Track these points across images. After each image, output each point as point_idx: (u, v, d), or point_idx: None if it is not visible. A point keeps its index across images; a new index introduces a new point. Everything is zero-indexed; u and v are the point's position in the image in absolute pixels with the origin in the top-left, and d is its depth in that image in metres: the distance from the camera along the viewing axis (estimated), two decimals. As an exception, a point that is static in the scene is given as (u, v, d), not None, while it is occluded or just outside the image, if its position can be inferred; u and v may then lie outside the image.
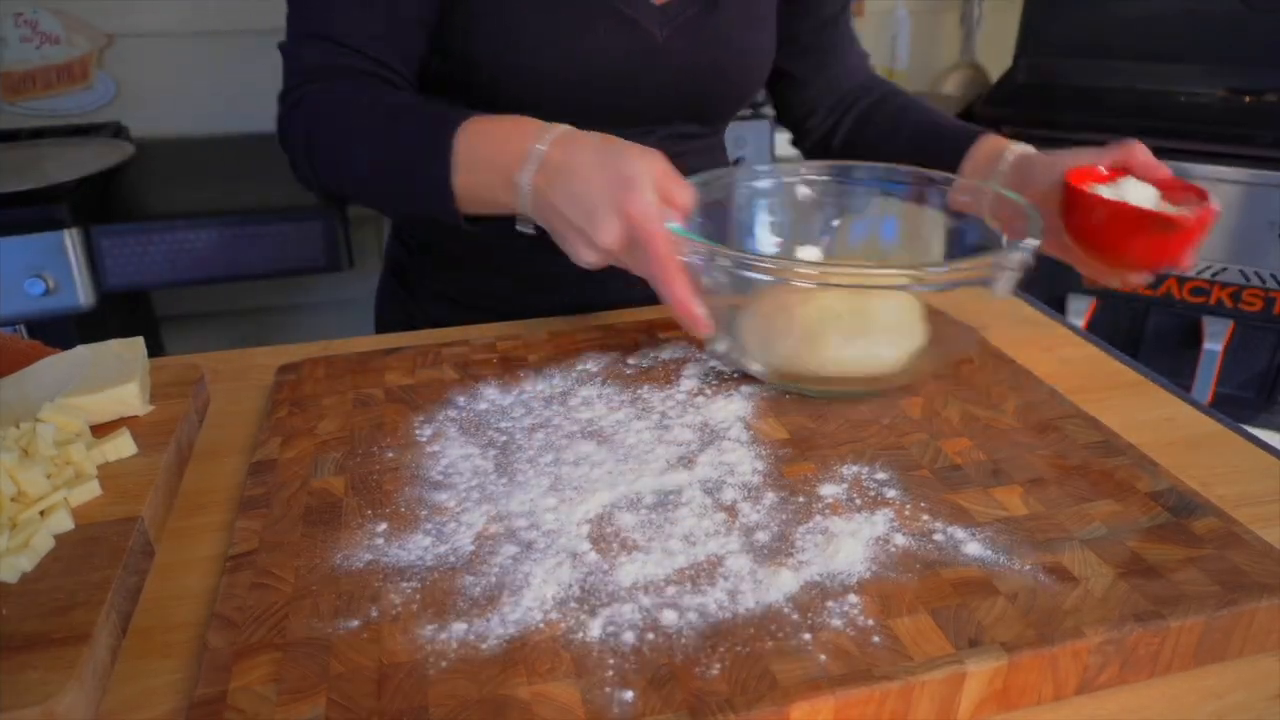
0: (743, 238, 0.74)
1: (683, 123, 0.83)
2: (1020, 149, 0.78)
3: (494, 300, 0.86)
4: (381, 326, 0.97)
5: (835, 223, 0.74)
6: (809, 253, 0.72)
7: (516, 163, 0.60)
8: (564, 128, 0.61)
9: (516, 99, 0.74)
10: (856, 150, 0.90)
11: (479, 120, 0.64)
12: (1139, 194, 0.67)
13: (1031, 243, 0.57)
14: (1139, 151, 0.70)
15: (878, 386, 0.62)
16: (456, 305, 0.88)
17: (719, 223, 0.70)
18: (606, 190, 0.57)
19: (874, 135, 0.90)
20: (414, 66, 0.74)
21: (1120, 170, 0.70)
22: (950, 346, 0.63)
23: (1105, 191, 0.67)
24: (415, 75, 0.75)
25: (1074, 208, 0.68)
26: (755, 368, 0.63)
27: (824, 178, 0.74)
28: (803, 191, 0.74)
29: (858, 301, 0.60)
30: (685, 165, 0.85)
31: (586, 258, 0.60)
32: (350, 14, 0.70)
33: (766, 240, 0.74)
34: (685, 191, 0.59)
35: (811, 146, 0.96)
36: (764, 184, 0.75)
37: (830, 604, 0.43)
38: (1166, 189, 0.68)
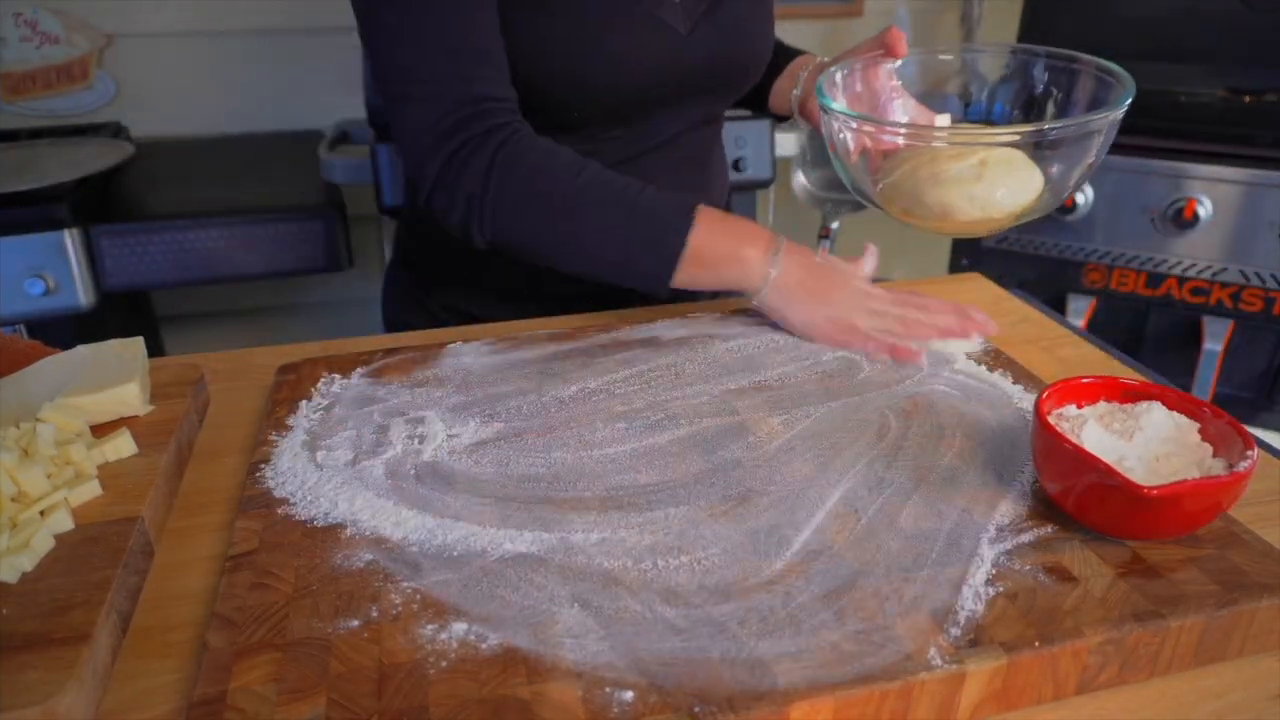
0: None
1: (700, 108, 0.85)
2: (817, 61, 0.89)
3: (510, 289, 0.87)
4: (390, 319, 0.97)
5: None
6: (943, 119, 0.78)
7: (758, 267, 0.71)
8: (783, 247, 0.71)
9: (552, 98, 0.76)
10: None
11: (708, 221, 0.70)
12: (1156, 429, 0.51)
13: (1125, 103, 0.63)
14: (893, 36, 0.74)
15: (1010, 223, 0.70)
16: (471, 292, 0.88)
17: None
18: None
19: None
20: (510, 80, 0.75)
21: (1094, 393, 0.54)
22: (1057, 190, 0.70)
23: (1089, 421, 0.52)
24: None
25: (1036, 436, 0.51)
26: (917, 213, 0.70)
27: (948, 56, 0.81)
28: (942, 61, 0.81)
29: (996, 153, 0.67)
30: (693, 156, 0.87)
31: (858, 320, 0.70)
32: (469, 44, 0.70)
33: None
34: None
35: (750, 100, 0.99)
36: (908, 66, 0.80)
37: (831, 603, 0.43)
38: (1216, 438, 0.50)
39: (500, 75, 0.73)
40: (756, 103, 0.96)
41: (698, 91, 0.83)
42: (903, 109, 0.76)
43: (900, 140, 0.70)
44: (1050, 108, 0.74)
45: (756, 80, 0.89)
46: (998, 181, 0.66)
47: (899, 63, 0.76)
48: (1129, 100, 0.64)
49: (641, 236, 0.70)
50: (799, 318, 0.71)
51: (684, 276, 0.71)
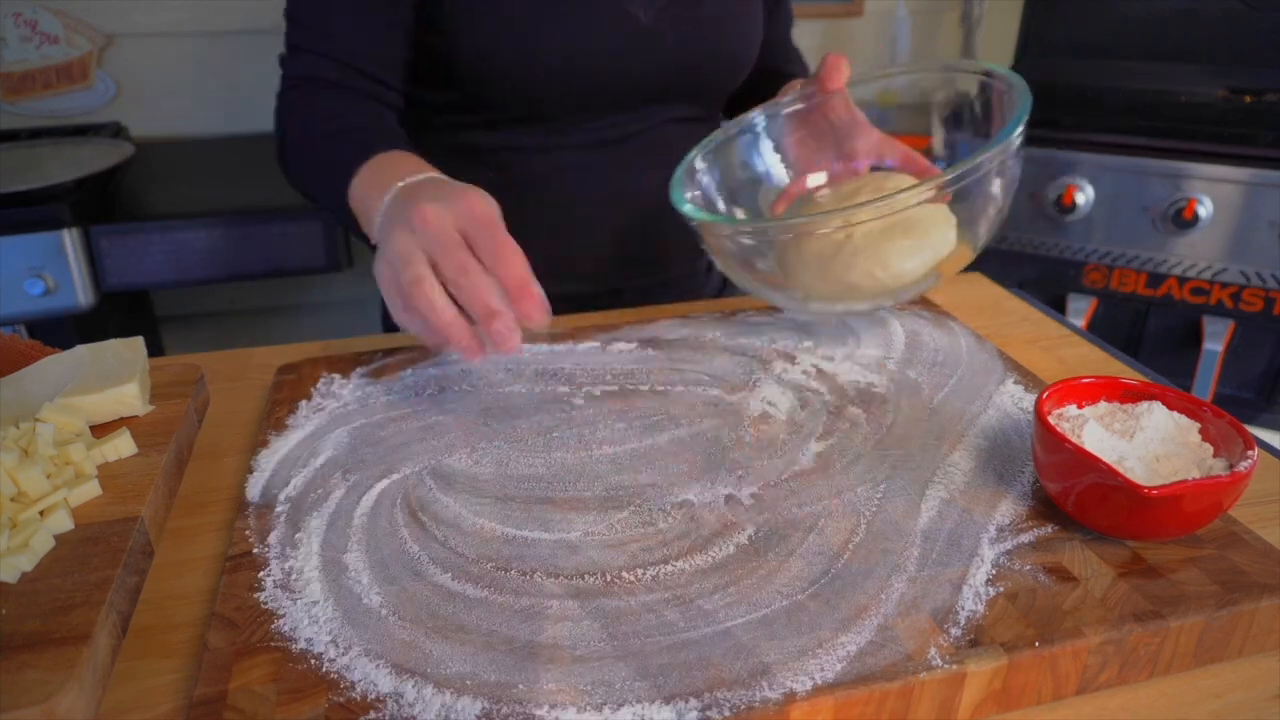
0: (758, 178, 0.76)
1: (677, 105, 0.84)
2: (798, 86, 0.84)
3: None
4: (387, 323, 0.97)
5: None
6: (818, 178, 0.73)
7: (380, 194, 0.60)
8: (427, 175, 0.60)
9: (511, 90, 0.76)
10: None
11: (382, 158, 0.64)
12: (1156, 429, 0.50)
13: (1017, 130, 0.56)
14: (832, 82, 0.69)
15: (902, 296, 0.64)
16: None
17: (729, 176, 0.74)
18: (449, 195, 0.55)
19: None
20: (399, 71, 0.77)
21: (1107, 386, 0.54)
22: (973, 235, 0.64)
23: (1089, 421, 0.51)
24: (400, 79, 0.78)
25: (1036, 436, 0.51)
26: (815, 307, 0.64)
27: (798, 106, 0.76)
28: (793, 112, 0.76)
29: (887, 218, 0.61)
30: (675, 157, 0.86)
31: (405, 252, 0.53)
32: (335, 28, 0.74)
33: (780, 171, 0.76)
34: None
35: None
36: (758, 120, 0.76)
37: (831, 603, 0.43)
38: (1217, 438, 0.49)
39: (373, 63, 0.75)
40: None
41: (669, 90, 0.81)
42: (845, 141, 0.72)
43: (747, 239, 0.62)
44: (970, 127, 0.68)
45: (736, 85, 0.87)
46: (859, 255, 0.58)
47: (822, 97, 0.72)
48: (1018, 128, 0.56)
49: (327, 178, 0.67)
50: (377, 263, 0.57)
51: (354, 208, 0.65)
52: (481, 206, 0.54)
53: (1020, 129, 0.58)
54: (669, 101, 0.82)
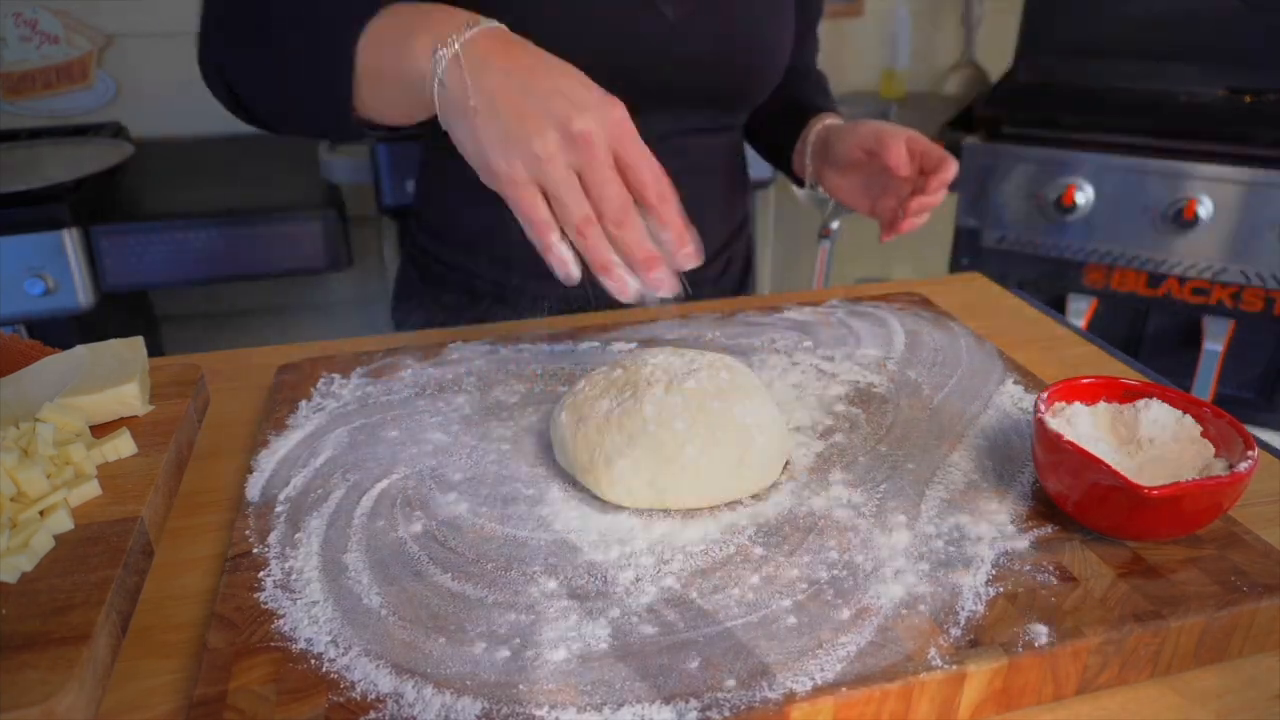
0: None
1: (698, 112, 0.82)
2: (827, 121, 0.86)
3: (507, 289, 0.86)
4: (398, 320, 0.97)
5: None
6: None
7: (443, 33, 0.51)
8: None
9: None
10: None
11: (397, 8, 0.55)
12: (1157, 429, 0.51)
13: None
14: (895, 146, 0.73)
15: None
16: (474, 295, 0.88)
17: None
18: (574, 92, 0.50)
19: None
20: None
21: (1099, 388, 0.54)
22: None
23: (1088, 420, 0.52)
24: None
25: (1036, 436, 0.51)
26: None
27: None
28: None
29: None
30: (701, 162, 0.85)
31: (519, 157, 0.49)
32: None
33: None
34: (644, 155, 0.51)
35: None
36: None
37: (831, 603, 0.43)
38: (1217, 438, 0.49)
39: None
40: (784, 163, 0.94)
41: (695, 92, 0.80)
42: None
43: None
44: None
45: (761, 94, 0.86)
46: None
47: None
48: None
49: (317, 42, 0.56)
50: (467, 138, 0.51)
51: (367, 92, 0.55)
52: (627, 123, 0.50)
53: None
54: (691, 106, 0.81)
